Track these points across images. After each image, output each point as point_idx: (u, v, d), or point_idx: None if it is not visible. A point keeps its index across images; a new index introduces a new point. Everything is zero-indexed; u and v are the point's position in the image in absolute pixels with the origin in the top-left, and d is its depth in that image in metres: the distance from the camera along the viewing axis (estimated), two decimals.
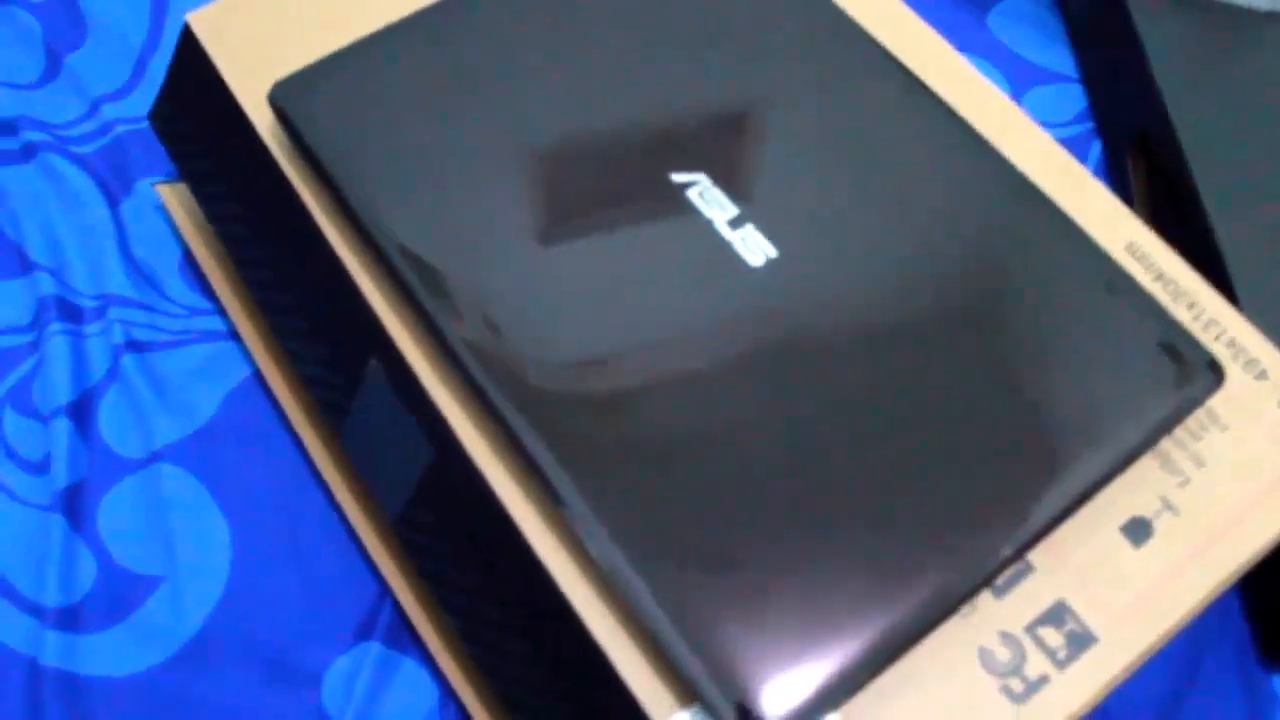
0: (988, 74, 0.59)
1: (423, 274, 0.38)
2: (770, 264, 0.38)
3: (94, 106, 0.56)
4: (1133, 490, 0.37)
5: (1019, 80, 0.59)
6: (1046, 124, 0.57)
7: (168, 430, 0.48)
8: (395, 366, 0.39)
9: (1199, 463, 0.37)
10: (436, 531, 0.40)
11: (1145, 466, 0.37)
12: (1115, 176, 0.55)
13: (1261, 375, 0.39)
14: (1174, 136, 0.50)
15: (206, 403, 0.49)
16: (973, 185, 0.41)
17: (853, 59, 0.43)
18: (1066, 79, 0.59)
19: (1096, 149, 0.56)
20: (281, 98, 0.42)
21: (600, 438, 0.35)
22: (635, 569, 0.33)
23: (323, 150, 0.41)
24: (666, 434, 0.35)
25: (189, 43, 0.47)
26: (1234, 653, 0.46)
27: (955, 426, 0.36)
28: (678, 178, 0.39)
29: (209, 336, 0.51)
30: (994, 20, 0.61)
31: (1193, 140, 0.50)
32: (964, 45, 0.59)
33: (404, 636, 0.45)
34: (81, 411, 0.49)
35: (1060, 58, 0.59)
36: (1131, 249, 0.41)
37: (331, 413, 0.43)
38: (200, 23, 0.46)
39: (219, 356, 0.51)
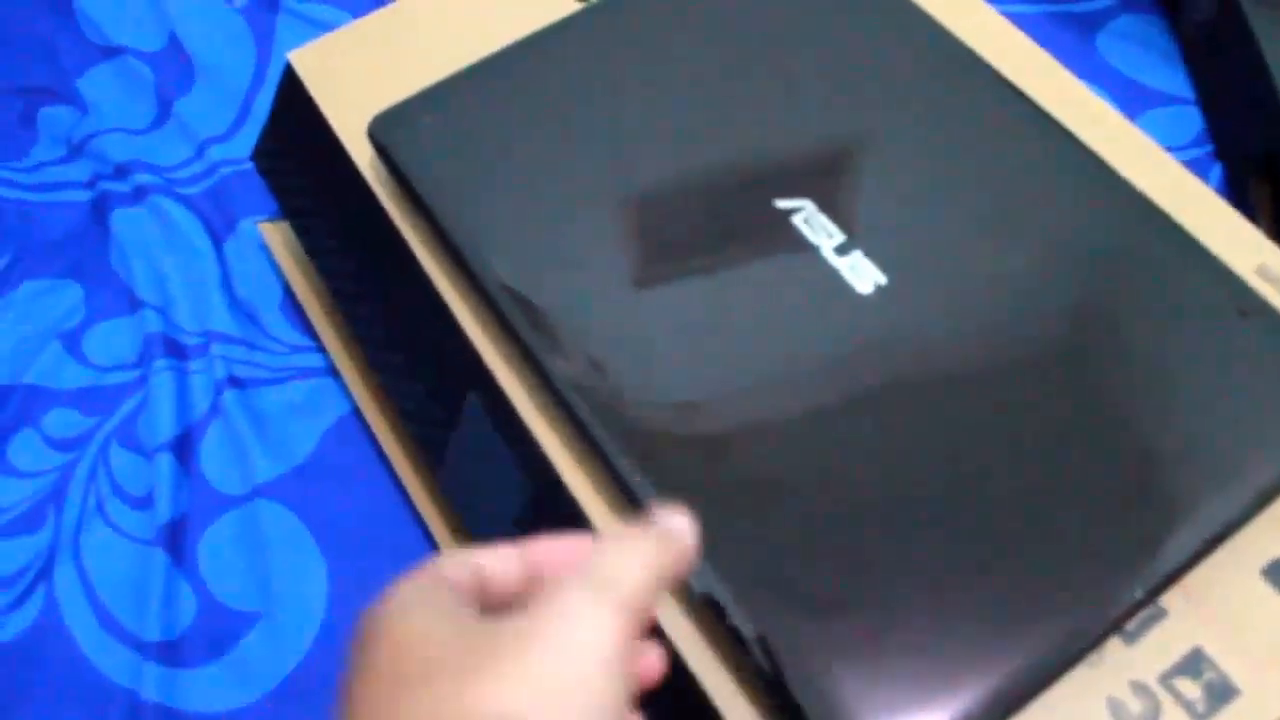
0: None
1: (524, 308, 0.37)
2: (880, 291, 0.36)
3: (201, 149, 0.58)
4: (1274, 530, 0.34)
5: (1131, 104, 0.56)
6: (1165, 149, 0.55)
7: (267, 467, 0.49)
8: (494, 401, 0.39)
9: None
10: None
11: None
12: (1238, 201, 0.53)
13: None
14: None
15: (305, 439, 0.49)
16: (1092, 208, 0.39)
17: (962, 79, 0.42)
18: (1182, 101, 0.56)
19: (1217, 173, 0.54)
20: (380, 131, 0.42)
21: (705, 475, 0.34)
22: (743, 608, 0.31)
23: (422, 184, 0.41)
24: (774, 472, 0.34)
25: (291, 81, 0.47)
26: None
27: (1080, 462, 0.33)
28: (782, 204, 0.38)
29: (308, 373, 0.51)
30: (1103, 41, 0.58)
31: None
32: (1071, 69, 0.57)
33: None
34: (184, 447, 0.49)
35: (1174, 79, 0.57)
36: (1263, 272, 0.39)
37: (429, 448, 0.43)
38: (302, 61, 0.47)
39: (318, 393, 0.51)
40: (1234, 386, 0.35)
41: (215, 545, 0.47)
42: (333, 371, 0.51)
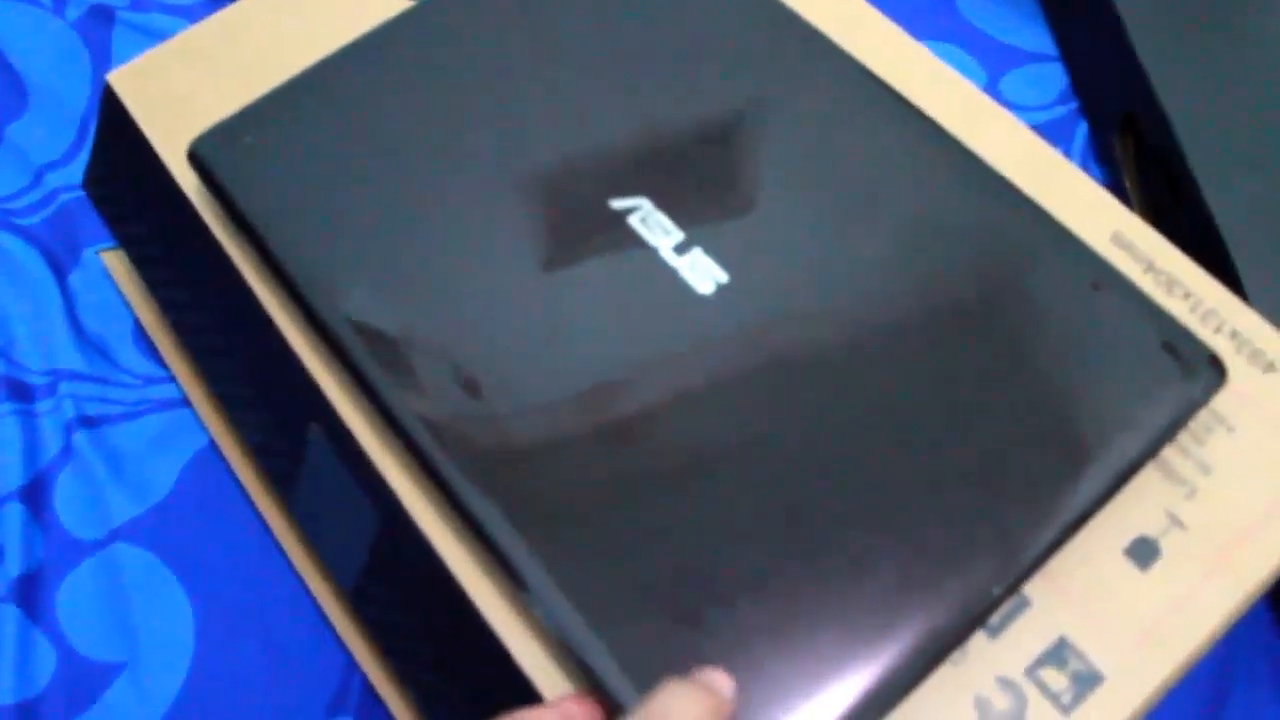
0: (959, 60, 0.55)
1: (356, 332, 0.36)
2: (721, 290, 0.35)
3: (37, 176, 0.55)
4: (1134, 507, 0.34)
5: (994, 63, 0.55)
6: (1027, 107, 0.54)
7: (125, 507, 0.46)
8: (336, 431, 0.37)
9: (1206, 470, 0.34)
10: (390, 603, 0.37)
11: (1146, 480, 0.34)
12: (1103, 158, 0.52)
13: (1270, 367, 0.36)
14: (1162, 113, 0.47)
15: (164, 476, 0.47)
16: (940, 187, 0.38)
17: (804, 58, 0.41)
18: (1046, 58, 0.55)
19: (1083, 130, 0.53)
20: (201, 153, 0.40)
21: (547, 494, 0.32)
22: (595, 635, 0.30)
23: (247, 207, 0.38)
24: (618, 485, 0.32)
25: (111, 103, 0.44)
26: (1270, 677, 0.43)
27: (933, 454, 0.33)
28: (618, 204, 0.37)
29: (164, 405, 0.49)
30: (964, 1, 0.57)
31: (1182, 116, 0.47)
32: (932, 31, 0.56)
33: (377, 711, 0.42)
34: (35, 494, 0.47)
35: (1037, 36, 0.56)
36: (1118, 239, 0.38)
37: (279, 480, 0.41)
38: (122, 81, 0.44)
39: (175, 426, 0.48)
40: (1088, 363, 0.34)
41: (74, 595, 0.45)
42: (190, 402, 0.49)
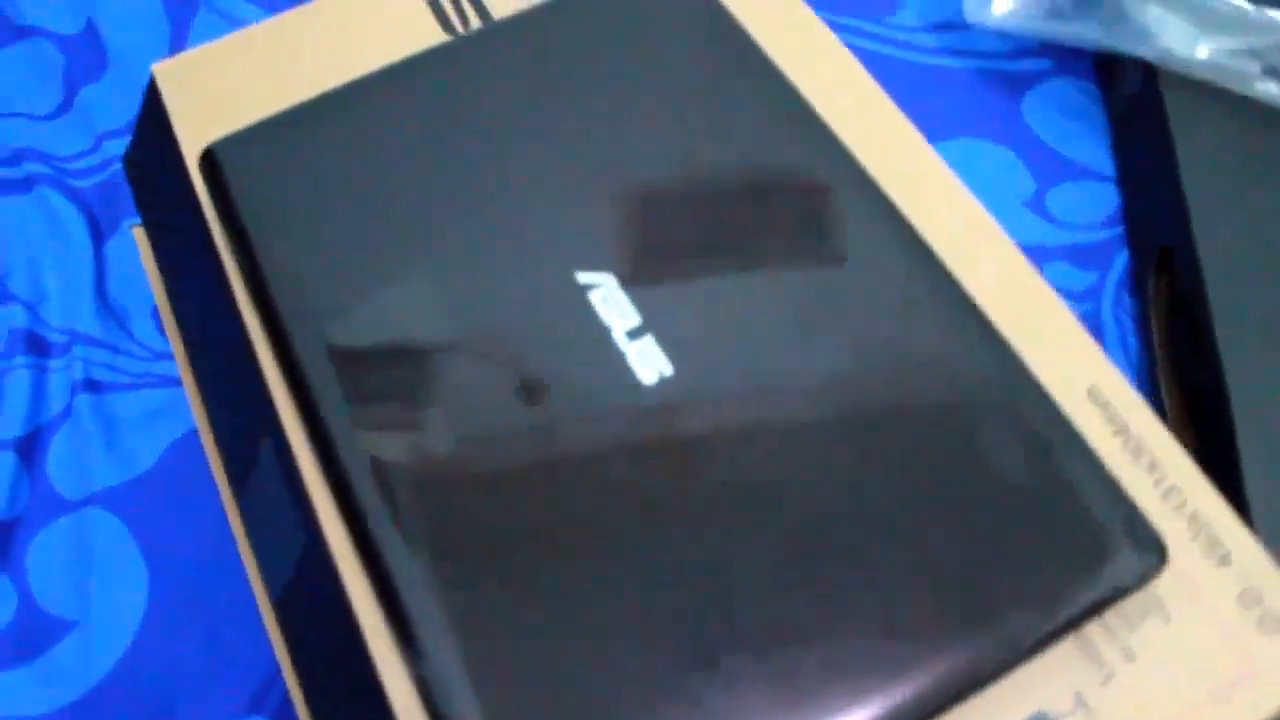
0: (1008, 165, 0.54)
1: (312, 351, 0.37)
2: (663, 382, 0.35)
3: (98, 141, 0.57)
4: (1043, 681, 0.32)
5: (1045, 174, 0.53)
6: (1070, 224, 0.52)
7: (107, 474, 0.48)
8: (282, 447, 0.38)
9: (1129, 656, 0.33)
10: (303, 620, 0.38)
11: (1064, 655, 0.33)
12: (1137, 292, 0.50)
13: (1224, 560, 0.34)
14: (1195, 256, 0.45)
15: (149, 450, 0.49)
16: (917, 312, 0.37)
17: (799, 145, 0.40)
18: (1101, 177, 0.53)
19: (1122, 259, 0.51)
20: (215, 157, 0.41)
21: (455, 542, 0.33)
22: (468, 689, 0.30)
23: (245, 216, 0.40)
24: (534, 570, 0.32)
25: (153, 91, 0.46)
26: None
27: (834, 588, 0.32)
28: (583, 278, 0.37)
29: (166, 382, 0.51)
30: (1029, 105, 0.56)
31: (1215, 264, 0.45)
32: (988, 131, 0.54)
33: (291, 716, 0.44)
34: (31, 447, 0.49)
35: (1098, 154, 0.54)
36: (1094, 394, 0.37)
37: (234, 480, 0.42)
38: (165, 73, 0.46)
39: (172, 404, 0.50)
40: (1023, 522, 0.33)
41: (44, 549, 0.47)
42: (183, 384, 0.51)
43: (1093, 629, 0.33)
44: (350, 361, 0.36)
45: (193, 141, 0.44)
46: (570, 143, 0.41)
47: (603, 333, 0.36)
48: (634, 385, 0.35)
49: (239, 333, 0.40)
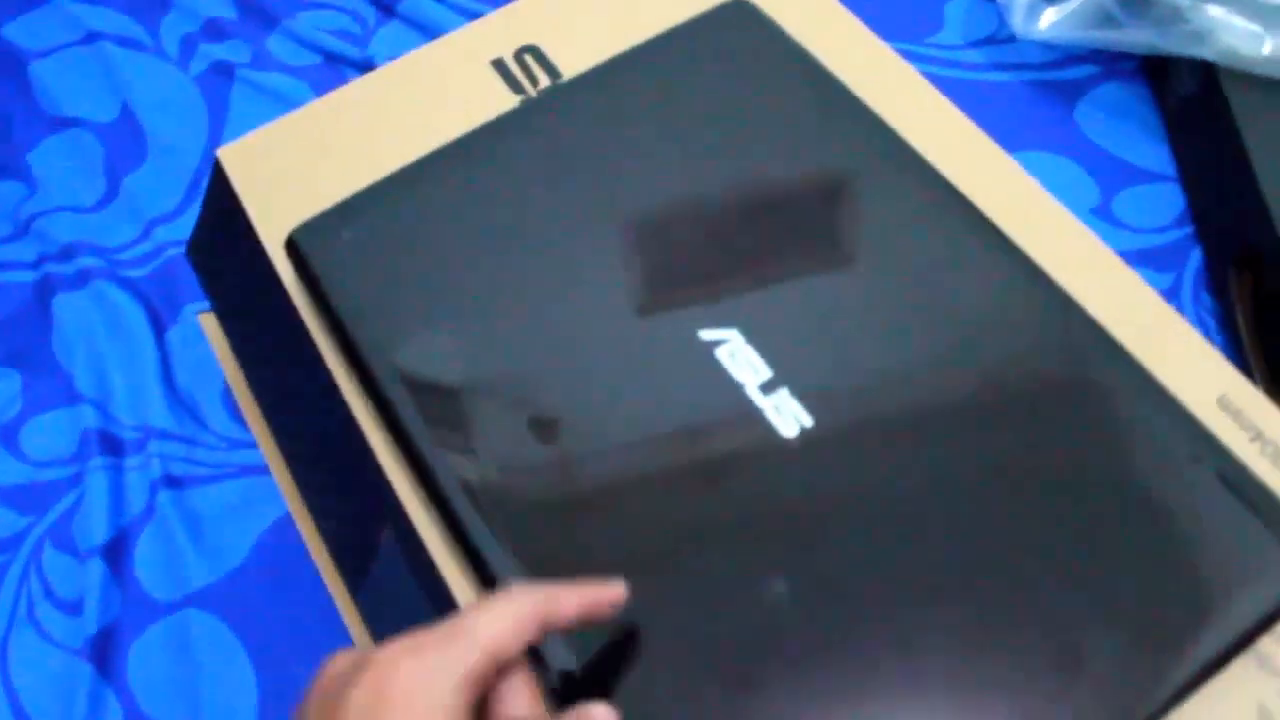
0: (1073, 176, 0.54)
1: (436, 441, 0.36)
2: (805, 435, 0.34)
3: (148, 229, 0.56)
4: (1224, 698, 0.32)
5: (1109, 181, 0.53)
6: (1140, 229, 0.52)
7: (200, 573, 0.47)
8: (408, 540, 0.37)
9: None
10: None
11: (1241, 669, 0.32)
12: (1217, 290, 0.50)
13: None
14: None
15: (240, 543, 0.48)
16: (1041, 338, 0.36)
17: (909, 189, 0.40)
18: (1163, 178, 0.53)
19: (1196, 257, 0.51)
20: (299, 244, 0.40)
21: (619, 647, 0.32)
22: None
23: (340, 304, 0.39)
24: (688, 630, 0.32)
25: (219, 179, 0.46)
26: None
27: (1008, 629, 0.31)
28: (707, 335, 0.36)
29: (246, 471, 0.50)
30: (1082, 113, 0.56)
31: None
32: (1047, 143, 0.54)
33: None
34: (117, 550, 0.48)
35: (1156, 154, 0.54)
36: (1224, 403, 0.36)
37: (349, 573, 0.41)
38: (230, 158, 0.45)
39: (255, 492, 0.49)
40: (1183, 544, 0.32)
41: (145, 655, 0.46)
42: (270, 470, 0.50)
43: (1264, 641, 0.33)
44: (474, 444, 0.35)
45: (268, 225, 0.43)
46: (657, 197, 0.40)
47: (736, 389, 0.35)
48: (778, 441, 0.34)
49: (341, 418, 0.40)
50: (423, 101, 0.46)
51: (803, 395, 0.35)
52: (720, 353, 0.36)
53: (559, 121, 0.43)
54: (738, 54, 0.44)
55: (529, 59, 0.47)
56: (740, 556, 0.32)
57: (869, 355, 0.36)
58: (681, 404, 0.35)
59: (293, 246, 0.41)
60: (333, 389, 0.40)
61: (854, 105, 0.42)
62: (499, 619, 0.25)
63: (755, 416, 0.34)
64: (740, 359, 0.36)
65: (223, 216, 0.46)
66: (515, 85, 0.46)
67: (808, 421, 0.34)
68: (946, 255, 0.38)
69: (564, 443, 0.35)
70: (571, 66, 0.46)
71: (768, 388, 0.35)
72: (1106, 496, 0.33)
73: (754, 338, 0.36)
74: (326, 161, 0.45)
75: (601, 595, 0.28)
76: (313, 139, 0.45)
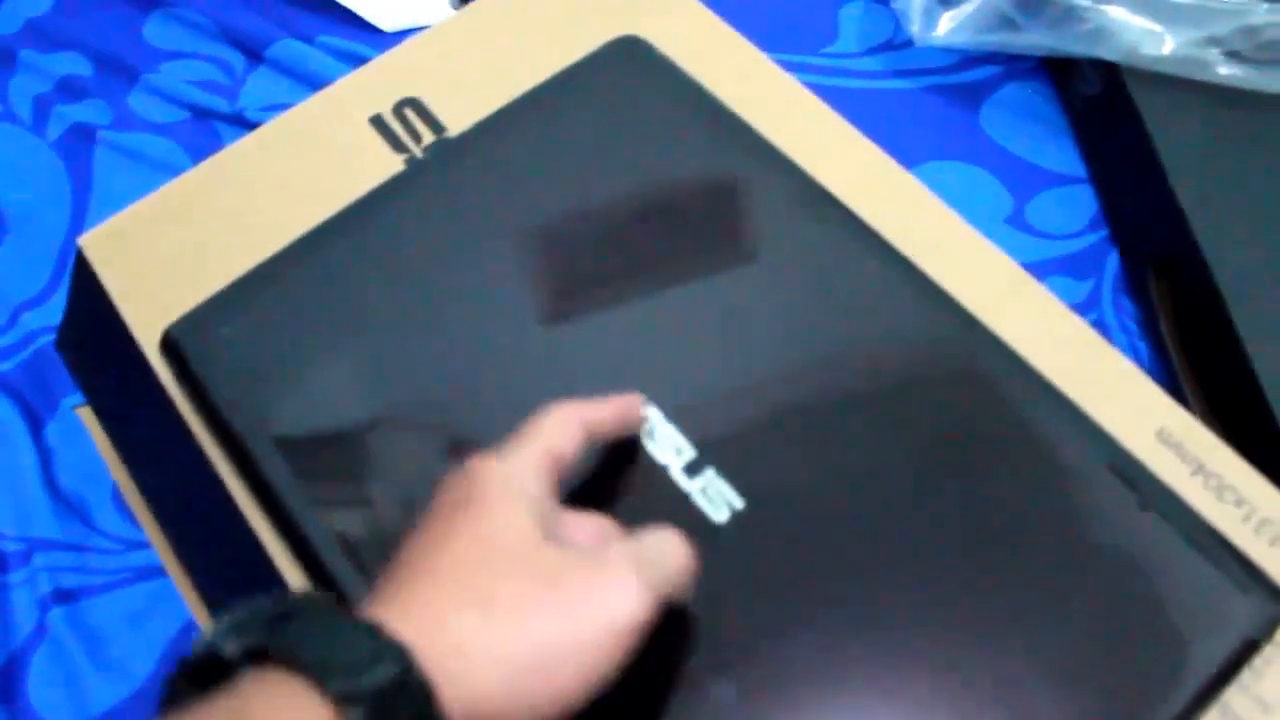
0: (984, 184, 0.52)
1: (345, 558, 0.33)
2: (736, 519, 0.32)
3: (13, 316, 0.52)
4: None
5: (1020, 187, 0.52)
6: (1056, 235, 0.51)
7: (103, 694, 0.44)
8: None
9: (1265, 708, 0.31)
10: None
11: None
12: (1136, 293, 0.49)
13: None
14: (1200, 257, 0.44)
15: (144, 657, 0.45)
16: (974, 383, 0.35)
17: (817, 230, 0.38)
18: (1074, 180, 0.52)
19: (1113, 261, 0.50)
20: (176, 343, 0.37)
21: None
22: None
23: (225, 407, 0.36)
24: None
25: (83, 268, 0.42)
26: None
27: (962, 695, 0.30)
28: None
29: (145, 574, 0.46)
30: (988, 116, 0.54)
31: (1221, 260, 0.44)
32: (954, 151, 0.53)
33: None
34: (8, 677, 0.44)
35: (1065, 156, 0.53)
36: (1164, 436, 0.35)
37: None
38: (94, 246, 0.42)
39: (156, 598, 0.46)
40: (1130, 597, 0.31)
41: None
42: (168, 572, 0.46)
43: (1228, 691, 0.32)
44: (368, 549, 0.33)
45: (140, 318, 0.40)
46: (560, 262, 0.38)
47: (660, 472, 0.33)
48: (708, 527, 0.32)
49: (240, 530, 0.37)
50: (298, 169, 0.42)
51: (730, 475, 0.33)
52: (641, 432, 0.34)
53: (452, 181, 0.40)
54: (633, 95, 0.42)
55: (409, 113, 0.44)
56: (680, 656, 0.30)
57: (795, 420, 0.34)
58: (604, 490, 0.33)
59: (170, 344, 0.38)
60: (228, 500, 0.37)
61: (758, 144, 0.40)
62: (553, 422, 0.30)
63: (683, 502, 0.32)
64: (661, 437, 0.33)
65: (90, 310, 0.42)
66: (396, 143, 0.43)
67: (738, 503, 0.32)
68: (864, 299, 0.36)
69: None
70: (454, 117, 0.43)
71: (692, 469, 0.33)
72: (1049, 553, 0.32)
73: (673, 415, 0.34)
74: (199, 242, 0.41)
75: (626, 403, 0.32)
76: (182, 218, 0.42)
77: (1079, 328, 0.37)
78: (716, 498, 0.32)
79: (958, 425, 0.34)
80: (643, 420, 0.33)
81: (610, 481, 0.33)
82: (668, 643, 0.30)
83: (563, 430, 0.30)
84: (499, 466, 0.28)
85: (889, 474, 0.33)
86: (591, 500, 0.32)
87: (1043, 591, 0.31)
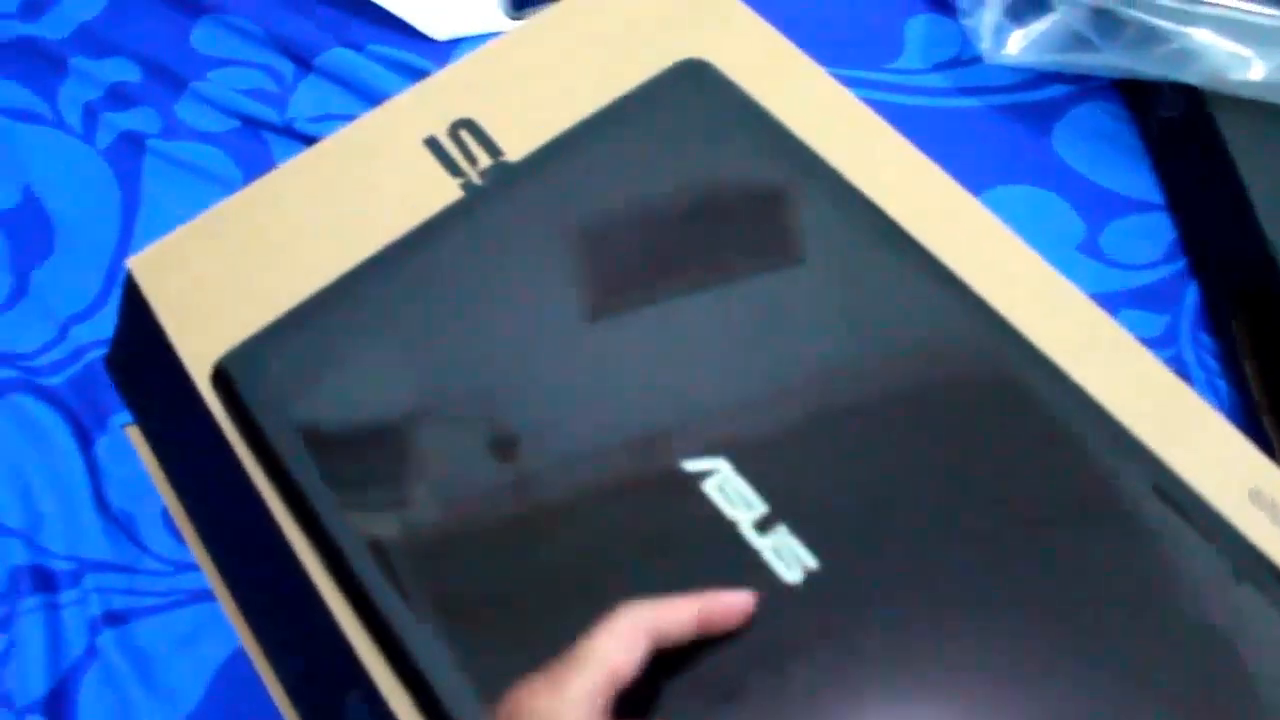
0: (1056, 210, 0.51)
1: (404, 602, 0.32)
2: (810, 579, 0.31)
3: (63, 329, 0.52)
4: None
5: (1094, 214, 0.50)
6: (1132, 266, 0.49)
7: (154, 718, 0.43)
8: (375, 701, 0.33)
9: None
10: None
11: None
12: (1218, 330, 0.47)
13: None
14: None
15: (193, 682, 0.44)
16: (1055, 444, 0.33)
17: (890, 261, 0.36)
18: (1151, 207, 0.50)
19: (1192, 294, 0.48)
20: (227, 376, 0.36)
21: None
22: None
23: (278, 444, 0.35)
24: None
25: (132, 290, 0.41)
26: None
27: None
28: (691, 466, 0.33)
29: (196, 597, 0.46)
30: (1060, 138, 0.52)
31: None
32: (1025, 174, 0.51)
33: None
34: (58, 701, 0.44)
35: (1141, 181, 0.51)
36: (1257, 497, 0.34)
37: None
38: (143, 269, 0.41)
39: (206, 621, 0.45)
40: (1230, 664, 0.30)
41: None
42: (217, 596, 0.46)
43: None
44: (450, 604, 0.32)
45: (189, 346, 0.39)
46: (632, 299, 0.36)
47: (730, 528, 0.32)
48: (780, 587, 0.31)
49: (290, 569, 0.36)
50: (349, 191, 0.41)
51: (803, 533, 0.31)
52: (708, 486, 0.32)
53: (515, 211, 0.39)
54: (698, 121, 0.40)
55: (465, 135, 0.42)
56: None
57: (872, 478, 0.33)
58: (665, 552, 0.32)
59: (221, 377, 0.37)
60: (279, 536, 0.36)
61: (826, 173, 0.38)
62: (616, 639, 0.27)
63: (753, 560, 0.31)
64: (731, 491, 0.32)
65: (140, 334, 0.42)
66: (452, 166, 0.42)
67: (812, 563, 0.31)
68: (938, 341, 0.35)
69: (547, 599, 0.32)
70: (510, 139, 0.42)
71: (763, 525, 0.32)
72: (1145, 626, 0.30)
73: (744, 469, 0.32)
74: (248, 265, 0.40)
75: (720, 602, 0.29)
76: (232, 240, 0.41)
77: (1172, 382, 0.35)
78: (789, 555, 0.31)
79: (1045, 483, 0.32)
80: (738, 622, 0.29)
81: (666, 543, 0.32)
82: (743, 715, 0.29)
83: (627, 648, 0.27)
84: (548, 706, 0.26)
85: (970, 535, 0.32)
86: (652, 556, 0.31)
87: (1137, 669, 0.30)
